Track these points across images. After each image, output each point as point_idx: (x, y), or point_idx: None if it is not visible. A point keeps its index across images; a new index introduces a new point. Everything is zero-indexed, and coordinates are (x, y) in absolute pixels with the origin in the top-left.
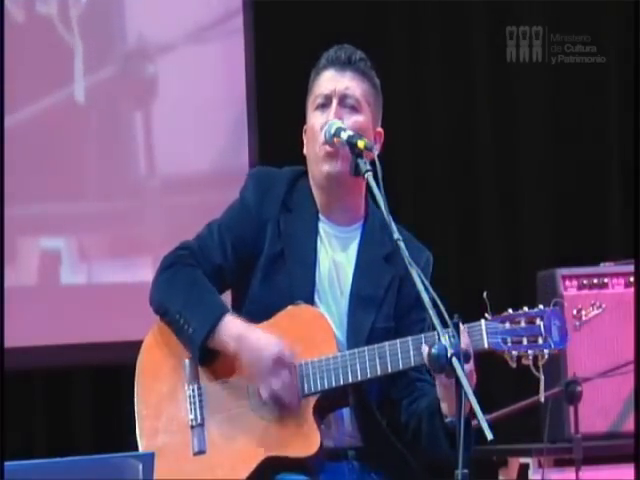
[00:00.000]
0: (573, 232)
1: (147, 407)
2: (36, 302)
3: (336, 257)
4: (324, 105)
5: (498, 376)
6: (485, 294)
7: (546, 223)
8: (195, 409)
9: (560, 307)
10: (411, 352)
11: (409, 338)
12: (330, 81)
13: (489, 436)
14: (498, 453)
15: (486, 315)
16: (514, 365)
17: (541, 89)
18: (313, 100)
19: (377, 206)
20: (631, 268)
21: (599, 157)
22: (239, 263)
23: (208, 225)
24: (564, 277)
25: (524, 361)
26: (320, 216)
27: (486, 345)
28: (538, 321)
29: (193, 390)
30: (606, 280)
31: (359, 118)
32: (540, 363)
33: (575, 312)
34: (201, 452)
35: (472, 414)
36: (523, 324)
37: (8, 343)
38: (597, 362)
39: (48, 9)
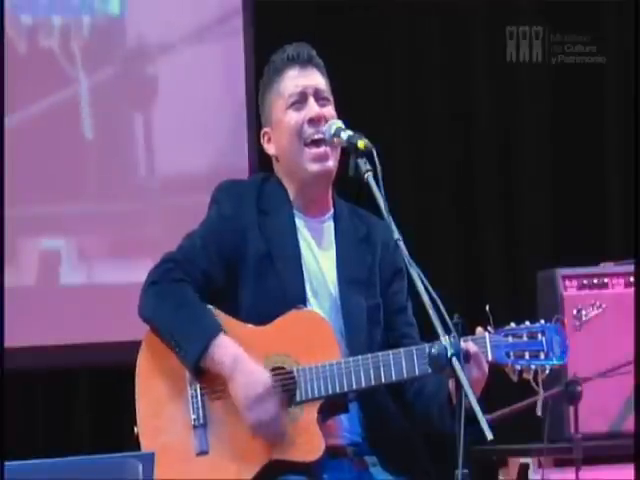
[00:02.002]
0: (573, 232)
1: (148, 407)
2: (36, 302)
3: (317, 249)
4: (298, 103)
5: (498, 376)
6: (488, 307)
7: (546, 223)
8: (197, 409)
9: (561, 323)
10: (415, 361)
11: (413, 348)
12: (298, 79)
13: (489, 436)
14: (498, 453)
15: (489, 328)
16: (515, 379)
17: (541, 89)
18: (285, 100)
19: (377, 206)
20: (631, 268)
21: (599, 157)
22: (225, 270)
23: (188, 236)
24: (564, 277)
25: (525, 375)
26: (295, 212)
27: (490, 358)
28: (540, 336)
29: (195, 390)
30: (606, 280)
31: (332, 112)
32: (540, 378)
33: (575, 312)
34: (204, 452)
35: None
36: (525, 338)
37: (8, 343)
38: (597, 362)
39: None
